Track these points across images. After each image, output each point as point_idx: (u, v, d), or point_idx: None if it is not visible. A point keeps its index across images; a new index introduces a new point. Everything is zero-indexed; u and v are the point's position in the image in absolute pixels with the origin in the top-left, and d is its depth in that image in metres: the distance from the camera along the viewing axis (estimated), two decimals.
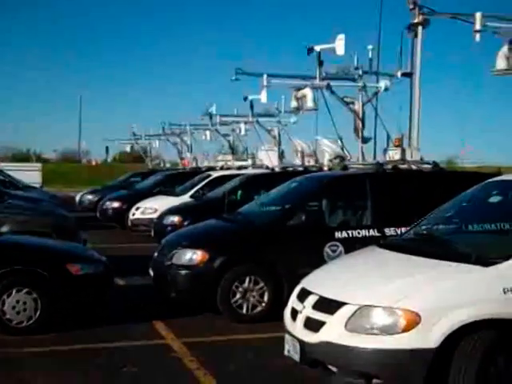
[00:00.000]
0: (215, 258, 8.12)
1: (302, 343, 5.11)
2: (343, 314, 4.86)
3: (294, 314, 5.42)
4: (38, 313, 7.27)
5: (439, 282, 4.83)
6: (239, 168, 19.39)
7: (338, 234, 8.39)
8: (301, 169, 15.54)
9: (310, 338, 5.03)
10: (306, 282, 5.72)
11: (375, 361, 4.67)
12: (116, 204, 19.65)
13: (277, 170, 16.39)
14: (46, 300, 7.29)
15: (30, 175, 33.30)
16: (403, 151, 9.23)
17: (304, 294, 5.46)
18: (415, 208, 8.59)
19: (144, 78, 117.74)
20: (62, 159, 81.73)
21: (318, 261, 8.01)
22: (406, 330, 4.59)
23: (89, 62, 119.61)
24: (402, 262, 5.31)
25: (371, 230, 8.48)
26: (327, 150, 15.71)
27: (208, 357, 6.60)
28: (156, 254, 8.97)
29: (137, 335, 7.46)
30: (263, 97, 15.12)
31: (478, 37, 8.79)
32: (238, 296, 8.08)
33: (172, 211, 14.93)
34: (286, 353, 5.41)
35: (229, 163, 21.31)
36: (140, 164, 35.31)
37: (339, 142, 15.27)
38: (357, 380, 4.76)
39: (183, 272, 8.23)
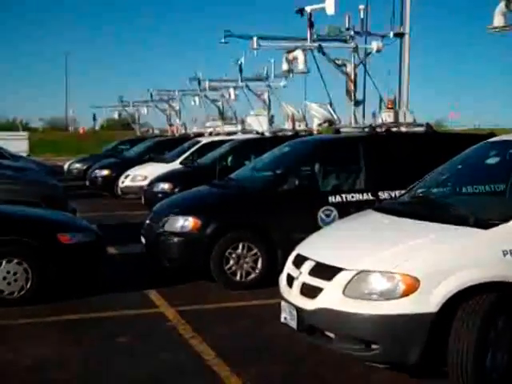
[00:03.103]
0: (207, 225, 8.01)
1: (298, 310, 5.03)
2: (341, 279, 4.77)
3: (290, 280, 5.34)
4: (30, 283, 7.16)
5: (438, 246, 4.74)
6: (228, 134, 19.21)
7: (331, 199, 8.29)
8: (291, 133, 15.42)
9: (307, 304, 4.95)
10: (301, 248, 5.62)
11: (374, 326, 4.60)
12: (105, 172, 19.43)
13: (267, 134, 16.25)
14: (37, 270, 7.18)
15: (16, 144, 33.12)
16: (396, 114, 9.08)
17: (300, 260, 5.36)
18: (409, 171, 8.44)
19: (131, 42, 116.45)
20: (50, 128, 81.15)
21: (312, 226, 7.97)
22: (405, 294, 4.51)
23: (75, 27, 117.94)
24: (399, 226, 5.21)
25: (365, 194, 8.39)
26: (316, 114, 15.55)
27: (203, 325, 6.53)
28: (147, 222, 8.84)
29: (130, 304, 7.36)
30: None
31: None
32: (231, 263, 8.00)
33: (162, 178, 14.80)
34: (282, 320, 5.33)
35: (218, 129, 21.07)
36: (128, 131, 34.94)
37: (328, 106, 15.15)
38: (355, 346, 4.70)
39: (175, 239, 8.12)
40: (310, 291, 5.00)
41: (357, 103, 10.06)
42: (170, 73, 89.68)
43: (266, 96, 17.51)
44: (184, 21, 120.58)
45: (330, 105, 15.00)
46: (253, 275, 8.10)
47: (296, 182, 8.20)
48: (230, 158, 14.53)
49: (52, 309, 7.09)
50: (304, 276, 5.14)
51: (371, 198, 8.33)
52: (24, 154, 29.03)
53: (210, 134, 20.15)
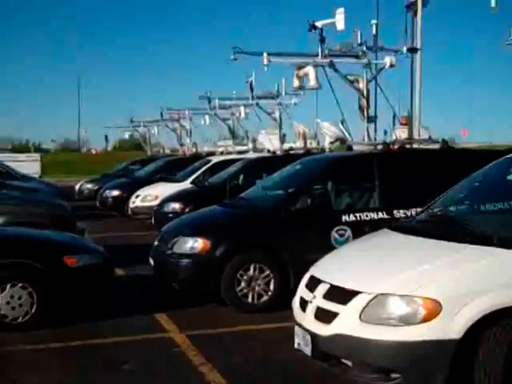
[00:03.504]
0: (217, 246, 7.77)
1: (313, 336, 4.77)
2: (357, 303, 4.51)
3: (304, 304, 5.08)
4: (35, 308, 6.94)
5: (460, 267, 4.47)
6: (240, 153, 19.05)
7: (345, 218, 8.04)
8: (303, 151, 15.24)
9: (322, 330, 4.68)
10: (315, 270, 5.37)
11: (393, 354, 4.32)
12: (116, 192, 19.30)
13: (278, 153, 16.08)
14: (43, 294, 6.96)
15: (29, 165, 33.17)
16: (410, 130, 8.83)
17: (313, 283, 5.11)
18: (425, 189, 8.24)
19: (141, 64, 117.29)
20: (62, 149, 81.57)
21: (326, 246, 7.71)
22: (426, 319, 4.24)
23: (86, 48, 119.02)
24: (418, 246, 4.95)
25: (380, 213, 8.13)
26: (328, 132, 15.41)
27: (213, 350, 6.27)
28: (156, 243, 8.61)
29: (138, 329, 7.13)
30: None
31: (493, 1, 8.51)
32: (242, 285, 7.75)
33: (173, 198, 14.61)
34: (296, 346, 5.07)
35: (229, 148, 20.94)
36: (140, 152, 34.91)
37: (340, 124, 14.95)
38: (374, 375, 4.43)
39: (185, 261, 7.89)
40: (324, 316, 4.74)
41: (370, 120, 9.82)
42: (179, 92, 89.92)
43: (277, 114, 17.32)
44: (193, 39, 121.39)
45: (342, 123, 14.84)
46: (265, 297, 7.84)
47: (308, 201, 7.97)
48: (241, 177, 14.33)
49: (57, 334, 6.86)
50: (318, 300, 4.88)
51: (386, 216, 8.09)
52: (36, 175, 28.99)
53: (222, 153, 20.02)
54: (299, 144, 17.47)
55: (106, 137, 51.98)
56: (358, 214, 8.10)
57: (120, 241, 14.24)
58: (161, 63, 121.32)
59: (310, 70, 10.23)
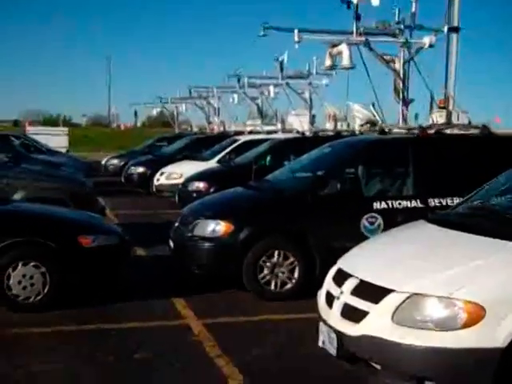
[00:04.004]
0: (240, 230, 7.38)
1: (339, 335, 4.36)
2: (389, 303, 4.09)
3: (330, 299, 4.67)
4: (47, 288, 6.64)
5: (507, 268, 4.01)
6: (268, 133, 18.64)
7: (376, 205, 7.58)
8: (332, 133, 14.75)
9: (350, 329, 4.27)
10: (343, 262, 4.95)
11: (429, 361, 3.89)
12: (141, 169, 19.07)
13: (308, 134, 15.61)
14: (56, 274, 6.66)
15: (57, 139, 33.00)
16: (449, 114, 8.29)
17: (341, 277, 4.69)
18: (463, 177, 7.79)
19: (170, 40, 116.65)
20: (92, 124, 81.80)
21: (355, 234, 7.37)
22: (467, 325, 3.80)
23: (115, 26, 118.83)
24: (460, 242, 4.49)
25: (413, 201, 7.66)
26: (358, 115, 14.98)
27: (231, 341, 5.91)
28: (176, 224, 8.24)
29: (154, 314, 6.78)
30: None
31: None
32: (265, 271, 7.36)
33: (197, 177, 14.29)
34: (320, 344, 4.67)
35: (257, 128, 20.52)
36: (168, 128, 34.59)
37: (371, 107, 14.45)
38: (405, 382, 4.01)
39: (205, 245, 7.50)
40: (352, 314, 4.33)
41: (405, 102, 9.27)
42: (208, 70, 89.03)
43: (307, 94, 16.80)
44: (223, 16, 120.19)
45: (373, 105, 14.33)
46: (289, 285, 7.45)
47: (338, 186, 7.51)
48: (268, 158, 13.91)
49: (68, 317, 6.55)
50: (346, 296, 4.47)
51: (420, 205, 7.64)
52: (63, 150, 28.84)
53: (250, 132, 19.62)
54: (329, 126, 17.00)
55: (136, 113, 51.67)
56: (390, 202, 7.64)
57: (143, 219, 13.98)
58: (191, 41, 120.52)
59: (343, 48, 9.71)
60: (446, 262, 4.22)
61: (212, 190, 12.97)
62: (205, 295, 7.53)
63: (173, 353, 5.63)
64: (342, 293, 4.53)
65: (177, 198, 14.46)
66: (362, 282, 4.43)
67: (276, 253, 7.38)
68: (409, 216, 7.51)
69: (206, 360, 5.45)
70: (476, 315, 3.79)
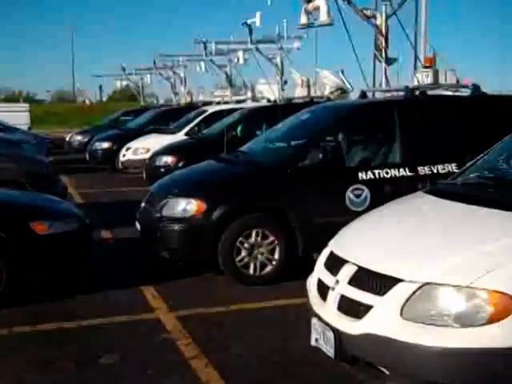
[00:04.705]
0: (214, 208, 6.65)
1: (337, 333, 3.68)
2: (397, 295, 3.42)
3: (323, 289, 3.99)
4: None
5: None
6: (237, 102, 17.89)
7: (361, 175, 6.91)
8: (307, 100, 14.07)
9: (350, 327, 3.60)
10: (335, 245, 4.27)
11: (446, 364, 3.23)
12: (105, 144, 18.19)
13: (280, 102, 14.90)
14: (7, 267, 5.88)
15: (17, 116, 31.72)
16: (436, 73, 7.60)
17: (335, 263, 4.01)
18: (454, 142, 7.21)
19: (135, 11, 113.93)
20: (57, 100, 79.86)
21: (339, 208, 6.77)
22: (493, 320, 3.15)
23: None
24: (473, 218, 3.82)
25: (402, 169, 7.01)
26: (327, 82, 14.39)
27: (209, 337, 5.23)
28: (143, 204, 7.48)
29: (120, 308, 6.04)
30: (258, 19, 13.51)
31: None
32: (243, 253, 6.67)
33: (165, 151, 13.58)
34: (313, 342, 3.99)
35: (226, 98, 19.74)
36: (134, 102, 33.51)
37: (340, 73, 13.89)
38: None
39: (176, 226, 6.76)
40: (352, 308, 3.65)
41: (389, 61, 8.56)
42: (175, 40, 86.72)
43: (278, 60, 15.99)
44: None
45: (342, 72, 13.75)
46: (269, 268, 6.78)
47: (319, 156, 6.78)
48: (239, 128, 13.20)
49: (24, 315, 5.79)
50: (343, 286, 3.79)
51: (409, 173, 7.01)
52: (25, 127, 27.72)
53: (218, 103, 18.85)
54: (298, 93, 16.32)
55: (101, 87, 50.48)
56: (376, 171, 6.97)
57: (109, 197, 13.19)
58: (155, 10, 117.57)
59: (321, 2, 8.92)
60: (461, 242, 3.55)
61: (181, 164, 12.39)
62: (177, 282, 6.83)
63: (143, 355, 4.91)
64: (337, 282, 3.84)
65: (144, 174, 13.72)
66: (360, 269, 3.74)
67: (254, 232, 6.70)
68: (397, 186, 6.96)
69: (180, 362, 4.75)
70: (504, 308, 3.14)
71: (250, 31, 16.21)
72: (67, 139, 23.86)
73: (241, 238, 6.67)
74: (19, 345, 5.18)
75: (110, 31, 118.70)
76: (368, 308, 3.54)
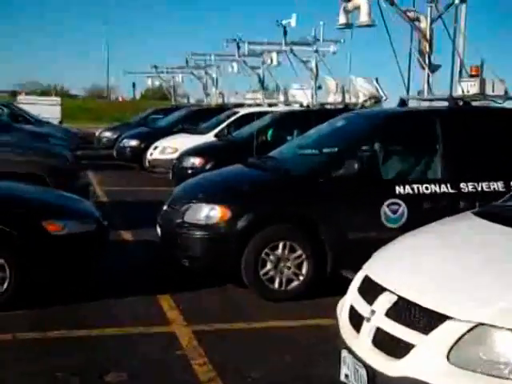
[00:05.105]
0: (239, 217, 6.23)
1: (371, 372, 3.23)
2: (444, 334, 2.95)
3: (357, 318, 3.53)
4: (6, 284, 5.53)
5: None
6: (269, 105, 17.49)
7: (399, 189, 6.43)
8: (341, 106, 13.62)
9: (387, 366, 3.14)
10: (371, 269, 3.80)
11: None
12: (134, 142, 17.91)
13: (313, 107, 14.46)
14: (17, 267, 5.55)
15: (49, 110, 31.73)
16: (483, 83, 7.11)
17: (371, 289, 3.55)
18: (501, 158, 6.70)
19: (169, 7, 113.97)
20: (90, 96, 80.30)
21: (374, 223, 6.34)
22: None
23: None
24: None
25: (443, 185, 6.52)
26: (361, 90, 13.91)
27: (226, 357, 4.79)
28: (165, 208, 7.08)
29: (134, 317, 5.65)
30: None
31: None
32: (268, 266, 6.24)
33: (193, 152, 13.24)
34: (342, 378, 3.54)
35: (258, 101, 19.36)
36: (167, 101, 33.31)
37: (374, 81, 13.45)
38: None
39: (197, 233, 6.35)
40: (389, 344, 3.19)
41: (432, 68, 8.05)
42: (206, 37, 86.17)
43: (312, 63, 15.53)
44: None
45: (377, 80, 13.31)
46: (295, 283, 6.34)
47: (354, 166, 6.32)
48: (270, 132, 12.79)
49: (31, 320, 5.43)
50: (379, 318, 3.33)
51: (451, 190, 6.52)
52: (56, 121, 27.65)
53: (250, 105, 18.48)
54: (331, 99, 15.87)
55: (134, 85, 50.38)
56: (415, 186, 6.48)
57: (134, 196, 12.86)
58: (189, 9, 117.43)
59: (361, 2, 8.44)
60: None
61: (208, 166, 12.07)
62: (196, 293, 6.41)
63: (153, 374, 4.51)
64: (373, 313, 3.39)
65: (171, 174, 13.38)
66: (400, 299, 3.28)
67: (281, 244, 6.26)
68: (437, 203, 6.49)
69: None
70: None
71: (285, 32, 15.80)
72: (96, 135, 23.67)
73: (266, 250, 6.24)
74: (22, 353, 4.80)
75: (144, 29, 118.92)
76: (409, 347, 3.07)
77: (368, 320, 3.39)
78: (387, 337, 3.23)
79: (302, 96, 17.15)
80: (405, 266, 3.65)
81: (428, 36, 7.90)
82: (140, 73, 31.08)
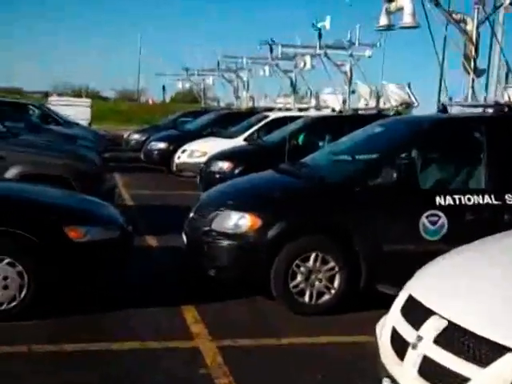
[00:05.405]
0: (270, 226, 5.90)
1: None
2: (504, 369, 2.60)
3: (400, 344, 3.19)
4: (24, 292, 5.26)
5: None
6: (300, 110, 17.16)
7: (439, 200, 6.04)
8: (374, 112, 13.26)
9: None
10: (416, 288, 3.46)
11: None
12: (162, 145, 17.66)
13: (346, 112, 14.11)
14: (36, 275, 5.27)
15: (79, 111, 31.78)
16: None
17: (416, 311, 3.21)
18: None
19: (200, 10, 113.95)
20: (120, 98, 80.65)
21: (411, 235, 5.99)
22: None
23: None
24: None
25: (486, 196, 6.11)
26: (393, 95, 13.62)
27: (253, 378, 4.47)
28: (192, 215, 6.78)
29: (157, 330, 5.35)
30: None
31: None
32: (299, 279, 5.90)
33: (221, 156, 12.90)
34: None
35: (288, 105, 19.06)
36: (196, 104, 33.16)
37: (407, 87, 13.15)
38: None
39: (225, 242, 6.04)
40: (439, 376, 2.85)
41: (478, 73, 7.65)
42: (239, 40, 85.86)
43: (347, 67, 15.17)
44: None
45: (409, 86, 13.05)
46: (326, 297, 5.98)
47: (393, 175, 5.96)
48: (301, 137, 12.46)
49: (48, 330, 5.15)
50: (427, 345, 2.98)
51: (495, 202, 6.11)
52: (85, 122, 27.63)
53: (280, 109, 18.17)
54: (361, 104, 15.55)
55: (164, 87, 50.27)
56: (456, 196, 6.09)
57: (161, 200, 12.58)
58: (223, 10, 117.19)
59: (405, 2, 8.07)
60: None
61: (237, 171, 11.76)
62: (223, 305, 6.09)
63: None
64: (420, 339, 3.04)
65: (198, 178, 13.09)
66: (451, 325, 2.94)
67: (313, 256, 5.91)
68: (480, 215, 6.11)
69: None
70: None
71: (320, 35, 15.46)
72: (125, 137, 23.56)
73: (297, 261, 5.90)
74: (37, 366, 4.52)
75: (175, 32, 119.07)
76: (461, 380, 2.73)
77: (414, 347, 3.04)
78: (436, 367, 2.89)
79: (333, 101, 16.85)
80: (454, 287, 3.28)
81: (474, 38, 7.48)
82: (171, 75, 30.97)
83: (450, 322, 2.95)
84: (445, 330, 2.95)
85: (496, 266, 3.41)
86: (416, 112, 13.25)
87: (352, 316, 5.84)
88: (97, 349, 4.88)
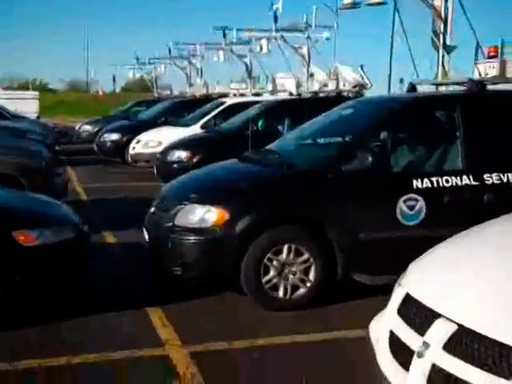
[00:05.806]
0: (239, 218, 5.48)
1: None
2: None
3: (402, 351, 2.81)
4: None
5: None
6: (255, 95, 16.81)
7: (416, 183, 5.72)
8: (334, 94, 12.99)
9: None
10: (413, 284, 3.08)
11: None
12: (115, 136, 17.14)
13: (305, 95, 13.78)
14: None
15: (26, 104, 30.82)
16: (503, 65, 6.41)
17: (417, 312, 2.83)
18: None
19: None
20: (70, 89, 79.11)
21: (389, 221, 5.68)
22: None
23: None
24: None
25: (465, 177, 5.82)
26: (347, 78, 13.45)
27: None
28: (152, 210, 6.31)
29: (123, 337, 4.90)
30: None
31: None
32: (271, 273, 5.52)
33: (178, 145, 12.55)
34: None
35: (242, 91, 18.69)
36: (148, 93, 32.49)
37: (360, 69, 13.01)
38: None
39: (191, 238, 5.59)
40: None
41: (448, 49, 7.35)
42: (191, 25, 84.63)
43: (304, 50, 14.81)
44: None
45: (362, 68, 13.00)
46: (302, 290, 5.62)
47: (367, 159, 5.61)
48: (261, 123, 12.08)
49: (1, 347, 4.64)
50: (436, 352, 2.60)
51: (474, 182, 5.83)
52: (33, 115, 26.80)
53: (235, 95, 17.79)
54: (316, 88, 15.34)
55: (114, 77, 49.50)
56: (434, 179, 5.77)
57: (116, 193, 12.07)
58: None
59: None
60: None
61: (196, 159, 11.49)
62: (191, 305, 5.66)
63: None
64: (426, 346, 2.66)
65: (155, 169, 12.64)
66: (462, 329, 2.57)
67: (285, 248, 5.53)
68: (459, 197, 5.82)
69: None
70: None
71: (275, 18, 15.06)
72: (76, 129, 22.88)
73: (269, 255, 5.51)
74: None
75: (126, 19, 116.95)
76: None
77: (420, 355, 2.67)
78: (448, 377, 2.52)
79: (291, 85, 16.54)
80: (458, 282, 2.91)
81: (443, 14, 7.17)
82: (121, 65, 30.22)
83: (459, 325, 2.58)
84: (455, 334, 2.58)
85: (503, 255, 3.05)
86: (368, 94, 13.12)
87: (329, 309, 5.55)
88: (56, 364, 4.39)
